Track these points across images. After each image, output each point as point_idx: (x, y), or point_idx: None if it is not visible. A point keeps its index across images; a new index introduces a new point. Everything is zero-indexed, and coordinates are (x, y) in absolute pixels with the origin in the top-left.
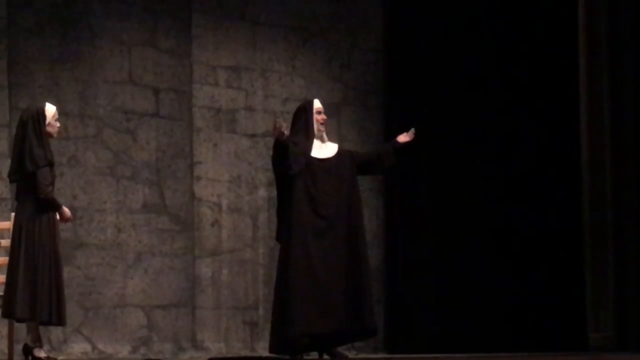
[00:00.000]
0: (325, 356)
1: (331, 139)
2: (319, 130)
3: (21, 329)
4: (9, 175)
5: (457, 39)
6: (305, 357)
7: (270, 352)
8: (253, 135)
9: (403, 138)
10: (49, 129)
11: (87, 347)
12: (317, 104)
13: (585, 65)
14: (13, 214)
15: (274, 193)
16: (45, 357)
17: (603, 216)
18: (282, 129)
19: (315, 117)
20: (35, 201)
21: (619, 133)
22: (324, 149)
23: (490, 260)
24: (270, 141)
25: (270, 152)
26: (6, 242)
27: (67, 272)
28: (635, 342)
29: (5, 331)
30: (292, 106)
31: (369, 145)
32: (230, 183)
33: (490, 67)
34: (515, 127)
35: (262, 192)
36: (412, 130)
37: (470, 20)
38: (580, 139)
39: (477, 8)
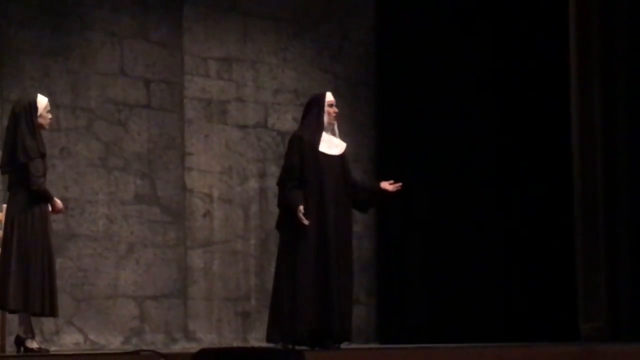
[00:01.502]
0: (317, 347)
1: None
2: (329, 123)
3: (13, 320)
4: (1, 167)
5: (448, 31)
6: (296, 347)
7: (268, 341)
8: (244, 127)
9: (385, 185)
10: (40, 120)
11: (80, 338)
12: (329, 96)
13: (575, 47)
14: (5, 206)
15: (265, 184)
16: (37, 348)
17: (594, 207)
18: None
19: (327, 110)
20: (27, 193)
21: (610, 126)
22: (333, 146)
23: (482, 251)
24: (261, 132)
25: (261, 143)
26: None
27: (59, 263)
28: (626, 333)
29: None
30: (283, 98)
31: (360, 137)
32: (221, 174)
33: (481, 58)
34: (507, 118)
35: (253, 183)
36: (399, 185)
37: (461, 13)
38: (570, 128)
39: (468, 0)
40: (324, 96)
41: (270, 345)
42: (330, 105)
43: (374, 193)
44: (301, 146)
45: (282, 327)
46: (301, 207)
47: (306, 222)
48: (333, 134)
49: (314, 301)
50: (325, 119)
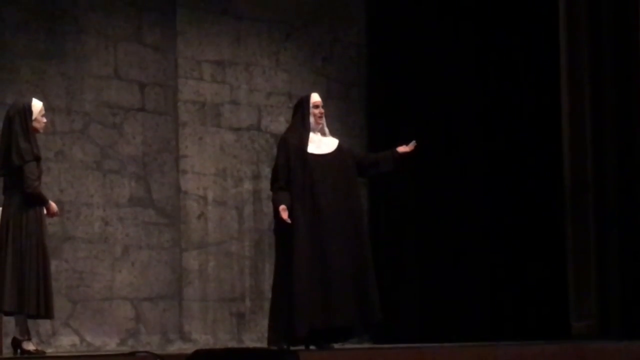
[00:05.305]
0: (312, 347)
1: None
2: (316, 123)
3: (10, 322)
4: None
5: (439, 32)
6: (291, 348)
7: (269, 345)
8: (238, 129)
9: (403, 149)
10: (35, 124)
11: (76, 339)
12: (314, 97)
13: (565, 41)
14: (0, 208)
15: (259, 186)
16: (34, 350)
17: (585, 205)
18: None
19: (312, 111)
20: (22, 195)
21: (599, 119)
22: (323, 145)
23: (473, 250)
24: (255, 134)
25: (255, 146)
26: None
27: (54, 265)
28: (617, 331)
29: None
30: (276, 100)
31: (352, 139)
32: (215, 176)
33: (471, 58)
34: (497, 116)
35: (247, 185)
36: (414, 142)
37: (451, 14)
38: (561, 123)
39: (459, 2)
40: (308, 98)
41: (261, 346)
42: (316, 107)
43: (395, 160)
44: (287, 148)
45: (279, 329)
46: (282, 207)
47: (288, 221)
48: (323, 134)
49: (311, 301)
50: (311, 120)
